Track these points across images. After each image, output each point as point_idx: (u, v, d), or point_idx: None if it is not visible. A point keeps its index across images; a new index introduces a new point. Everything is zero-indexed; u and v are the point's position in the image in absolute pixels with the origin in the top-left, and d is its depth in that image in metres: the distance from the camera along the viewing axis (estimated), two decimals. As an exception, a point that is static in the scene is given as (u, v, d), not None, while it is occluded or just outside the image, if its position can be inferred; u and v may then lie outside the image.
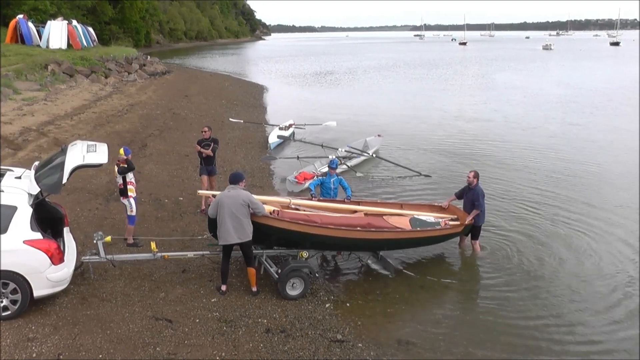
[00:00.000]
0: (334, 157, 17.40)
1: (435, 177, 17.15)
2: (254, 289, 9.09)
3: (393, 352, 7.84)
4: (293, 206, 10.47)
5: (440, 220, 11.14)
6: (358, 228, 10.03)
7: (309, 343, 7.85)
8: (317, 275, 9.59)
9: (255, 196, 9.81)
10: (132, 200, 10.62)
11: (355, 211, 11.03)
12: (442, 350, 7.95)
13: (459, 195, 11.75)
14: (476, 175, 11.39)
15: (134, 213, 10.69)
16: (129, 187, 10.58)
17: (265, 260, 9.54)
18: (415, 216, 11.07)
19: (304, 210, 10.45)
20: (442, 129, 25.91)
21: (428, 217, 11.19)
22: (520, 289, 9.95)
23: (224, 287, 9.14)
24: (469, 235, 11.51)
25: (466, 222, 11.13)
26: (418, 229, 10.63)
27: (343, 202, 11.41)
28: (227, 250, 8.94)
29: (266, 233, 9.26)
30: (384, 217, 10.83)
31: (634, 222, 13.26)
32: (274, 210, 9.63)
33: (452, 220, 11.30)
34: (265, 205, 9.62)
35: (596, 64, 74.36)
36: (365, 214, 10.93)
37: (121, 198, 10.74)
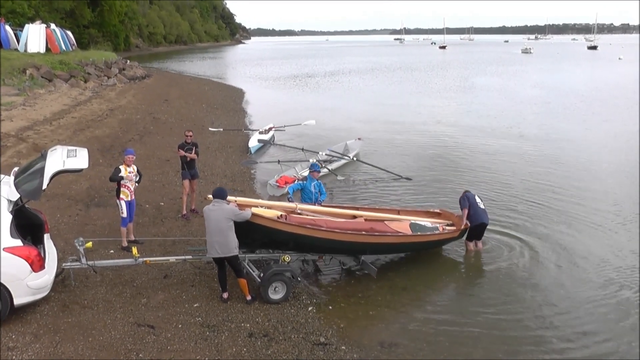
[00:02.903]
0: (314, 160, 17.48)
1: (416, 179, 17.30)
2: (249, 297, 9.07)
3: (376, 354, 7.90)
4: (299, 211, 10.54)
5: (438, 225, 11.38)
6: (363, 232, 10.18)
7: (292, 346, 7.88)
8: (299, 279, 9.62)
9: (261, 201, 10.09)
10: (122, 203, 10.65)
11: (355, 216, 11.15)
12: (424, 351, 8.03)
13: None
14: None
15: (123, 215, 10.69)
16: (122, 189, 10.63)
17: (247, 265, 9.55)
18: (414, 221, 11.25)
19: (307, 215, 10.53)
20: (422, 131, 26.16)
21: (426, 222, 11.40)
22: (502, 289, 10.07)
23: (225, 295, 9.13)
24: (476, 237, 11.72)
25: (462, 227, 11.36)
26: (419, 233, 10.84)
27: (343, 207, 11.66)
28: (215, 260, 8.96)
29: (274, 236, 9.39)
30: (385, 222, 11.00)
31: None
32: (281, 215, 9.71)
33: (448, 225, 11.55)
34: (271, 210, 9.73)
35: (575, 67, 75.43)
36: (366, 219, 11.08)
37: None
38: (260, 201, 10.94)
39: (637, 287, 10.02)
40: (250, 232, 9.18)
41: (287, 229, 9.39)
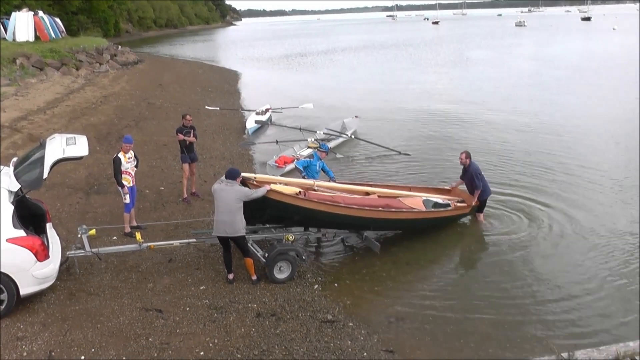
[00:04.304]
0: (312, 139, 17.46)
1: (414, 154, 17.31)
2: (254, 277, 9.11)
3: (384, 330, 7.94)
4: (316, 188, 10.55)
5: (450, 202, 11.42)
6: (380, 209, 10.25)
7: (300, 325, 7.91)
8: (304, 258, 9.63)
9: (280, 178, 10.45)
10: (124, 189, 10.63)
11: (367, 193, 11.18)
12: (431, 324, 8.07)
13: (462, 177, 12.00)
14: (468, 156, 11.63)
15: (126, 201, 10.68)
16: (123, 175, 10.59)
17: (251, 245, 9.56)
18: (427, 198, 11.33)
19: (323, 192, 10.57)
20: (418, 107, 26.13)
21: (437, 199, 11.46)
22: (506, 261, 10.10)
23: (230, 276, 9.17)
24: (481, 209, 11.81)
25: (473, 204, 11.48)
26: (432, 209, 10.92)
27: (356, 184, 11.76)
28: (221, 241, 8.98)
29: (292, 213, 9.51)
30: (399, 198, 11.05)
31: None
32: (300, 192, 9.76)
33: (459, 202, 11.61)
34: (290, 187, 9.80)
35: (569, 39, 74.95)
36: (379, 196, 11.12)
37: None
38: (278, 178, 10.96)
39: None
40: (270, 209, 9.26)
41: (306, 205, 9.47)
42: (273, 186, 9.36)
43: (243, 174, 9.35)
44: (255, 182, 9.57)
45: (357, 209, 9.93)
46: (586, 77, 34.65)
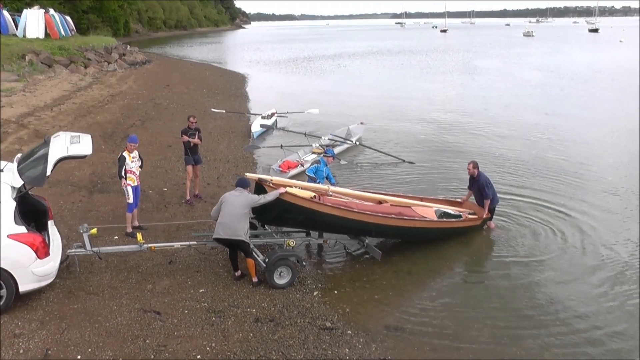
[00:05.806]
0: (316, 145, 17.45)
1: (418, 163, 17.27)
2: (255, 279, 9.11)
3: (382, 338, 7.88)
4: (330, 193, 10.60)
5: (461, 213, 11.47)
6: (393, 216, 10.31)
7: (299, 331, 7.87)
8: (304, 264, 9.59)
9: (295, 182, 10.59)
10: (128, 188, 10.64)
11: (380, 201, 11.23)
12: (430, 335, 8.02)
13: (469, 187, 12.01)
14: (475, 166, 11.61)
15: (129, 201, 10.69)
16: (128, 175, 10.61)
17: (252, 250, 9.53)
18: (438, 208, 11.38)
19: (338, 198, 10.62)
20: (424, 115, 26.14)
21: (449, 209, 11.52)
22: (507, 273, 10.03)
23: (237, 273, 9.29)
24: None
25: (484, 217, 11.53)
26: (444, 219, 10.98)
27: (370, 192, 11.81)
28: (225, 244, 9.07)
29: (306, 215, 9.56)
30: (411, 207, 11.09)
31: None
32: (314, 196, 9.83)
33: (470, 214, 11.64)
34: (305, 191, 9.87)
35: (576, 50, 75.07)
36: (392, 205, 11.16)
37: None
38: (294, 182, 11.00)
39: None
40: (284, 210, 9.39)
41: (321, 209, 9.55)
42: (289, 189, 9.44)
43: (260, 176, 9.71)
44: (271, 185, 9.72)
45: (370, 215, 9.99)
46: (590, 89, 34.85)
